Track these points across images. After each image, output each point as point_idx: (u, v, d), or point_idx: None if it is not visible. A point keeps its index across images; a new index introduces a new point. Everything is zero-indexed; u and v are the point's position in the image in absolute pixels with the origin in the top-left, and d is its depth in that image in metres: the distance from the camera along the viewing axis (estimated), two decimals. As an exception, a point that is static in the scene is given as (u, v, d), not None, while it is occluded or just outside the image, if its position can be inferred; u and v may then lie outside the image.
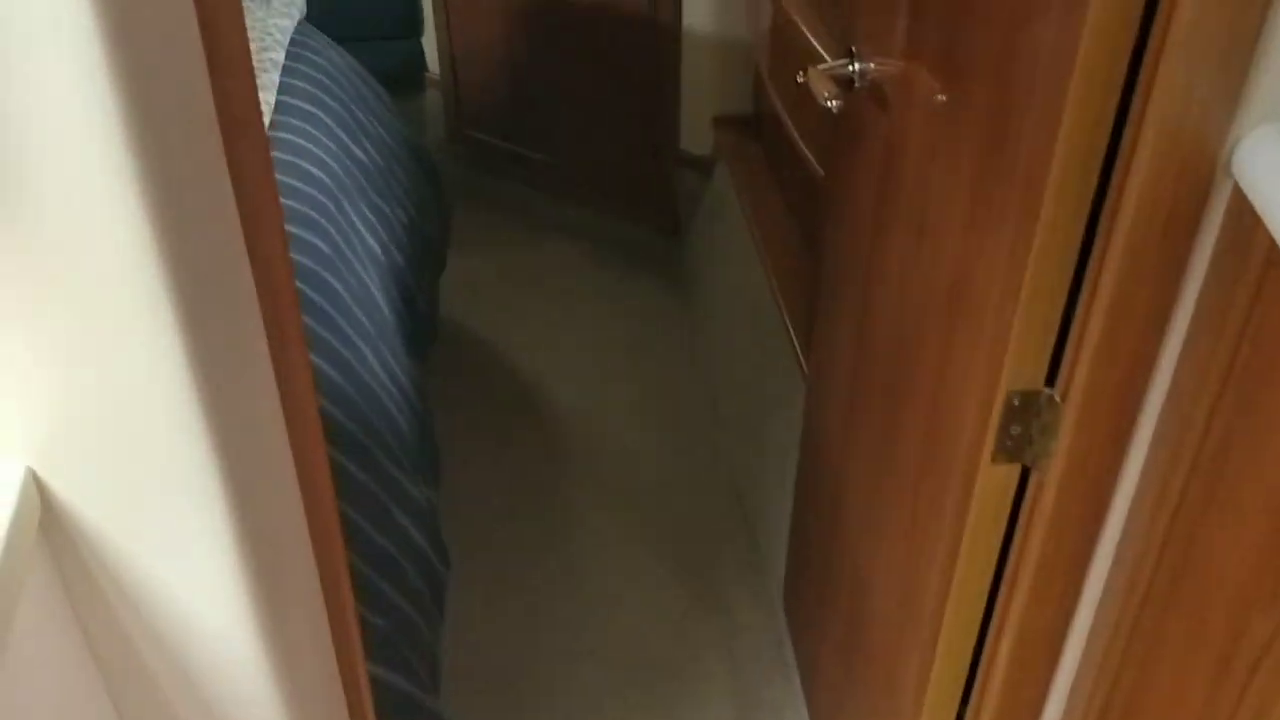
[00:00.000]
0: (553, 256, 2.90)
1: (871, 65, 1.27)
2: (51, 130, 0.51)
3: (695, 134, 2.65)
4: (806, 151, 1.99)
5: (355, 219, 1.90)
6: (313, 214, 1.77)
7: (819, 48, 1.83)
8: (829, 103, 1.24)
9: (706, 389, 2.55)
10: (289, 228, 1.71)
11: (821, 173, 1.90)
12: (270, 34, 2.05)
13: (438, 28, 2.89)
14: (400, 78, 2.99)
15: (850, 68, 1.28)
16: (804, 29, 1.90)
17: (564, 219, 2.96)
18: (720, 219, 2.60)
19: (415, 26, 2.94)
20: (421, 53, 2.98)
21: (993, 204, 0.98)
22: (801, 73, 1.96)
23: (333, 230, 1.79)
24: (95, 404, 0.59)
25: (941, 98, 1.13)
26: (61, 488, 0.62)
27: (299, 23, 2.24)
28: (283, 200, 1.76)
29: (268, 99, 1.90)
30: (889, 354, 1.29)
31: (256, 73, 1.93)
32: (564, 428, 2.43)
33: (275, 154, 1.84)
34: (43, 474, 0.62)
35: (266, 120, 1.87)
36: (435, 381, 2.47)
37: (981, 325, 1.00)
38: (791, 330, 2.12)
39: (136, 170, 0.52)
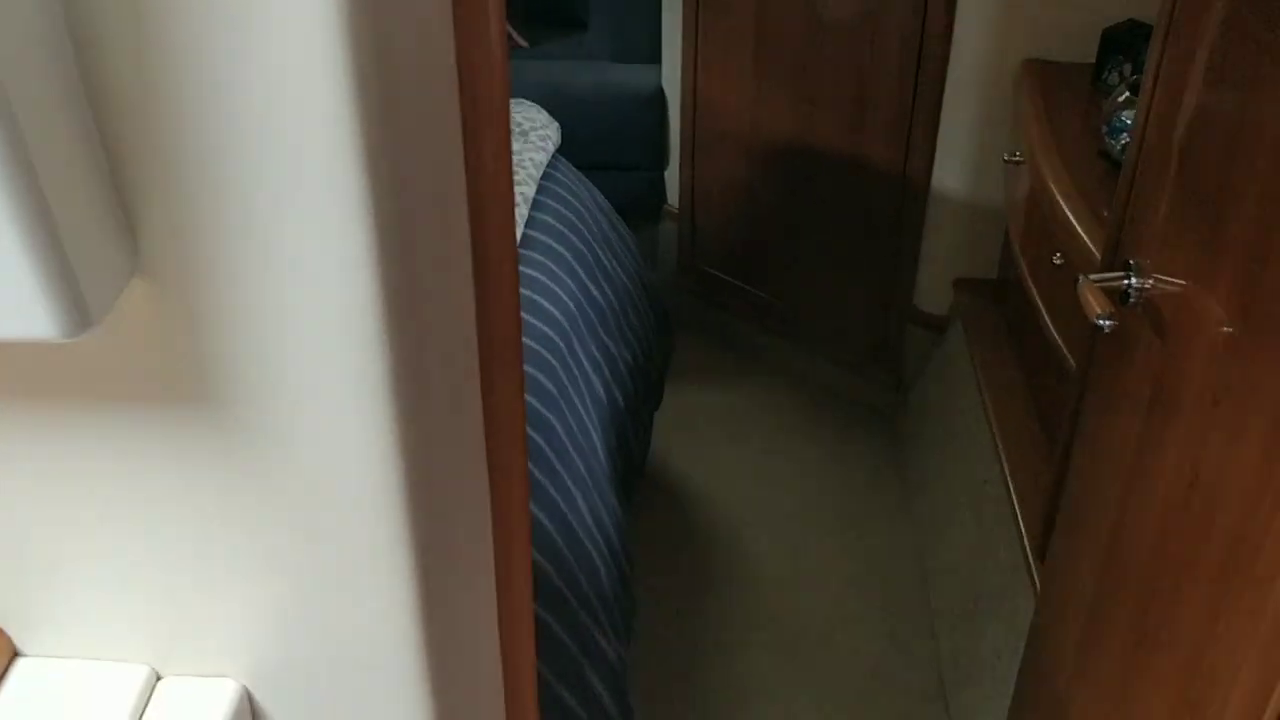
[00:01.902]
0: (771, 400, 2.85)
1: (1150, 283, 1.18)
2: (311, 365, 0.50)
3: (931, 292, 2.57)
4: (1056, 335, 1.88)
5: (584, 359, 1.91)
6: (544, 352, 1.78)
7: (1080, 230, 1.74)
8: (1100, 322, 1.15)
9: (920, 564, 2.42)
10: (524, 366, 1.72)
11: (1072, 362, 1.79)
12: (524, 167, 2.10)
13: (682, 162, 2.93)
14: (639, 207, 3.04)
15: (1125, 282, 1.19)
16: (1065, 208, 1.81)
17: (787, 362, 2.91)
18: (949, 383, 2.49)
19: (660, 159, 2.99)
20: (663, 185, 3.03)
21: (1291, 469, 0.87)
22: (1059, 255, 1.88)
23: (560, 370, 1.79)
24: (319, 635, 0.57)
25: (1228, 330, 1.03)
26: (275, 712, 0.60)
27: (553, 155, 2.30)
28: (522, 339, 1.78)
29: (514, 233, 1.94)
30: (1137, 607, 1.17)
31: (507, 206, 1.98)
32: (761, 588, 2.35)
33: (515, 288, 1.87)
34: (258, 696, 0.60)
35: (511, 254, 1.91)
36: (634, 518, 2.44)
37: (1259, 618, 0.88)
38: (1020, 519, 1.99)
39: (396, 432, 0.51)
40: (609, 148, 2.95)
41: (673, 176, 3.00)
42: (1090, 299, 1.17)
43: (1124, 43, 2.07)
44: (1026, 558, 1.94)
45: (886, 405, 2.75)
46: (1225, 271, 1.05)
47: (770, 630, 2.26)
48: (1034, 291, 1.98)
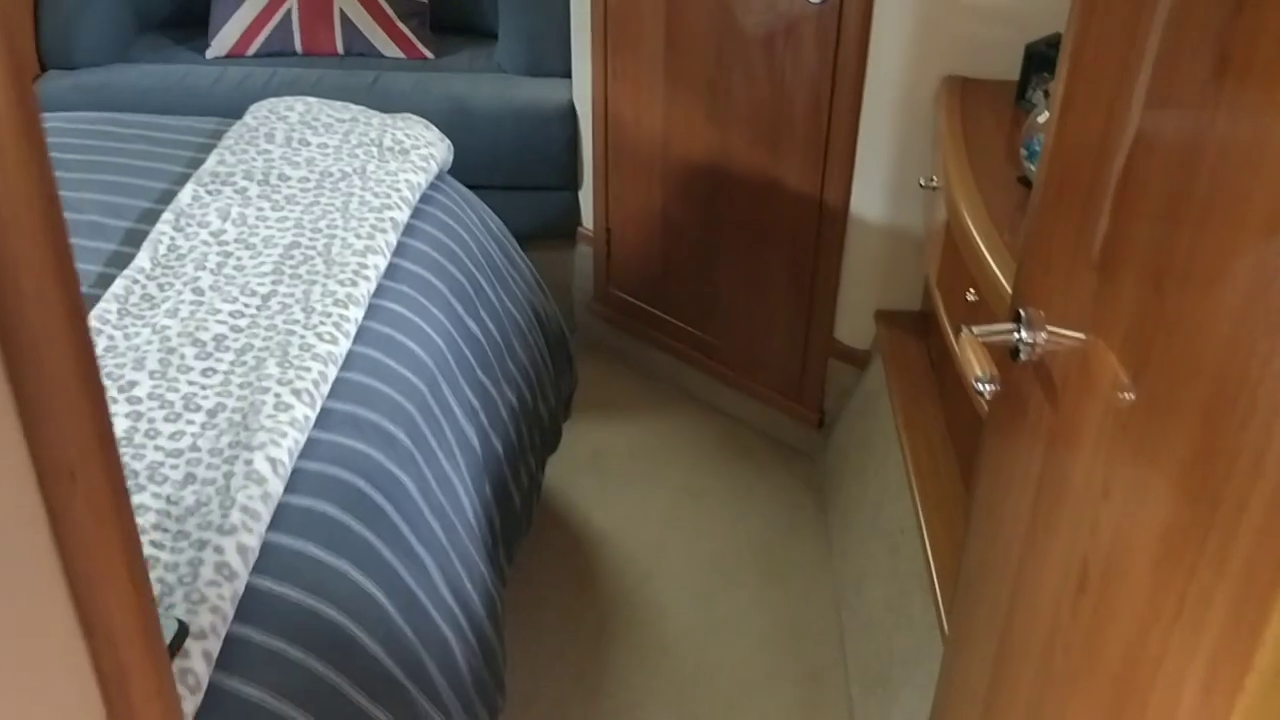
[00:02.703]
0: (686, 435, 2.67)
1: (1043, 336, 1.01)
2: None
3: (853, 325, 2.41)
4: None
5: (453, 402, 1.72)
6: (400, 399, 1.59)
7: (993, 265, 1.58)
8: (981, 386, 0.98)
9: (838, 618, 2.25)
10: (370, 415, 1.54)
11: (985, 407, 1.63)
12: (397, 189, 1.92)
13: (596, 184, 2.76)
14: (553, 229, 2.87)
15: (1015, 335, 1.03)
16: (978, 239, 1.65)
17: (703, 394, 2.74)
18: (870, 423, 2.33)
19: (573, 179, 2.81)
20: (578, 207, 2.85)
21: (1189, 585, 0.70)
22: (972, 291, 1.71)
23: (420, 419, 1.61)
24: None
25: (1127, 396, 0.86)
26: None
27: (438, 176, 2.11)
28: (371, 382, 1.60)
29: (377, 263, 1.76)
30: (1032, 695, 1.00)
31: (371, 234, 1.79)
32: (667, 646, 2.17)
33: (374, 325, 1.68)
34: None
35: (372, 286, 1.73)
36: (527, 565, 2.25)
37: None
38: (934, 575, 1.82)
39: None
40: (519, 167, 2.77)
41: (587, 198, 2.83)
42: (970, 357, 1.00)
43: (1048, 59, 1.91)
44: (940, 618, 1.77)
45: (808, 443, 2.58)
46: (1120, 322, 0.88)
47: (674, 694, 2.08)
48: (948, 329, 1.82)
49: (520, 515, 1.91)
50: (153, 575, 1.25)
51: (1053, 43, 1.93)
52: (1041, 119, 1.70)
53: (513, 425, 1.89)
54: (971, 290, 1.70)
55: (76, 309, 0.46)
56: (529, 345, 2.04)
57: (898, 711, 1.85)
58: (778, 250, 2.45)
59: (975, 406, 1.73)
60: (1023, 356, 1.02)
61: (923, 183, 2.03)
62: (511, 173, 2.77)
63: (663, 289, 2.73)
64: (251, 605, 1.26)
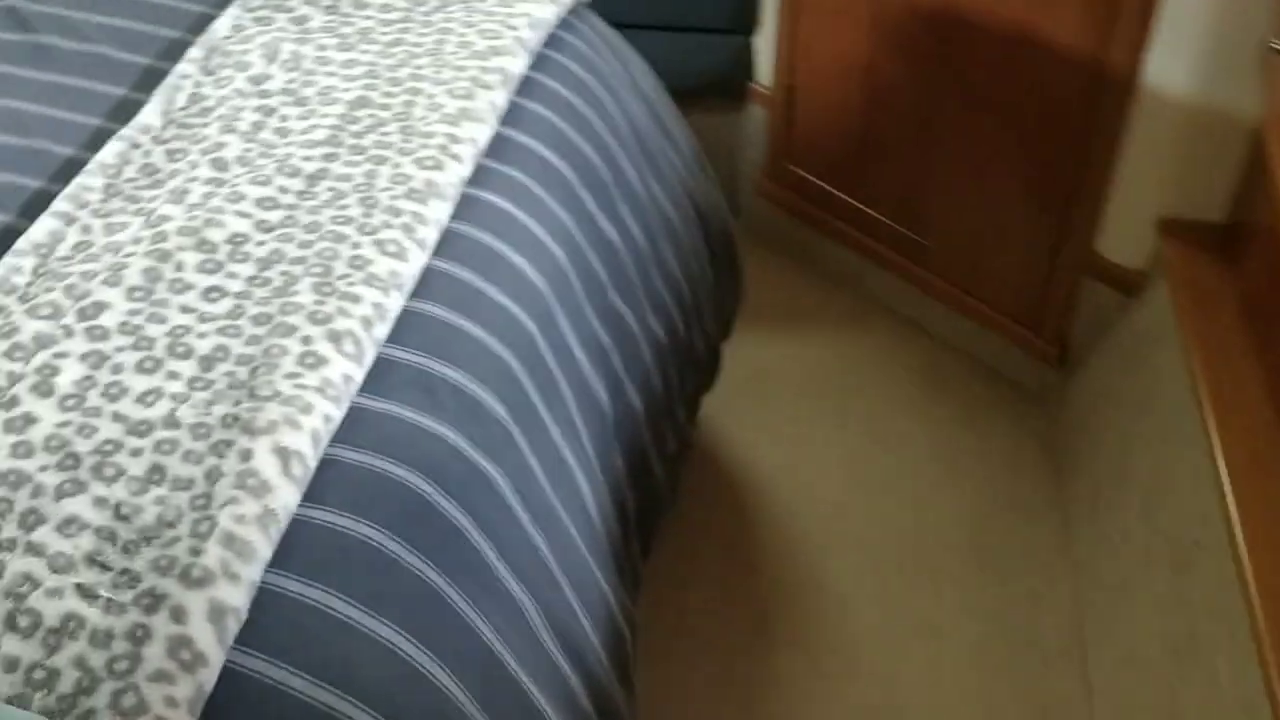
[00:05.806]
0: (879, 361, 2.11)
1: None
2: None
3: (1124, 235, 1.81)
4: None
5: (575, 346, 1.19)
6: (497, 347, 1.07)
7: None
8: None
9: (1081, 637, 1.71)
10: (450, 372, 1.02)
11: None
12: (513, 27, 1.36)
13: (780, 26, 2.19)
14: (718, 83, 2.32)
15: None
16: None
17: (905, 308, 2.19)
18: (1143, 371, 1.75)
19: (748, 22, 2.24)
20: (750, 57, 2.29)
21: None
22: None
23: (525, 376, 1.09)
24: None
25: None
26: None
27: (572, 9, 1.54)
28: (454, 319, 1.07)
29: (476, 135, 1.22)
30: None
31: (470, 91, 1.25)
32: (847, 653, 1.66)
33: (465, 228, 1.15)
34: None
35: (467, 169, 1.19)
36: (668, 527, 1.76)
37: None
38: (1259, 612, 1.26)
39: None
40: (678, 3, 2.23)
41: (766, 46, 2.26)
42: None
43: None
44: (1272, 688, 1.21)
45: (1043, 386, 2.02)
46: None
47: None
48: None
49: (662, 491, 1.40)
50: (68, 654, 0.77)
51: None
52: None
53: (658, 370, 1.36)
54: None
55: None
56: (684, 254, 1.49)
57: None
58: (1026, 128, 1.86)
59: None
60: None
61: (1275, 44, 1.40)
62: (668, 8, 2.23)
63: (859, 169, 2.17)
64: (226, 705, 0.78)
